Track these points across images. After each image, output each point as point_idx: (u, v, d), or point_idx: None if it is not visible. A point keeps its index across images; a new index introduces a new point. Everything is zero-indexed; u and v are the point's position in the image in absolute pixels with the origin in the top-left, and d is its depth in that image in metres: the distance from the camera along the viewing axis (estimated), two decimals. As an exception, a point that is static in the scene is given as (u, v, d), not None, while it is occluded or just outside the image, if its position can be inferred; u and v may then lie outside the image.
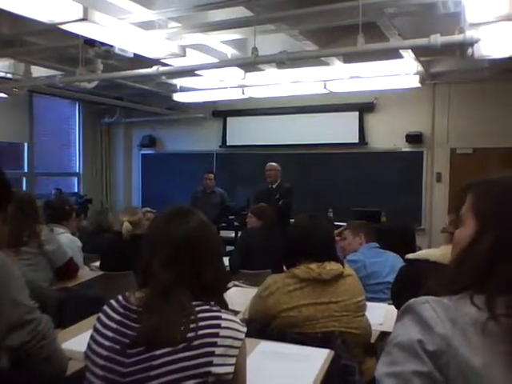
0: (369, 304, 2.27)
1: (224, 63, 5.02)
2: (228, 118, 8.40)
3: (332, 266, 2.09)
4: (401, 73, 5.41)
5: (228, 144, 8.39)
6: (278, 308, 2.05)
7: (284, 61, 4.29)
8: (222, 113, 8.38)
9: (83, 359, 1.32)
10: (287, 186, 6.09)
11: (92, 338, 1.32)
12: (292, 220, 5.84)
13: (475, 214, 0.96)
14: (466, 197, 0.99)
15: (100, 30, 3.42)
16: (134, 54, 4.28)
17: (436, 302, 0.89)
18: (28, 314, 1.37)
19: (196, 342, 1.21)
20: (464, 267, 0.93)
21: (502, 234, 0.90)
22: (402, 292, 2.47)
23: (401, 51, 4.94)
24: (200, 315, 1.26)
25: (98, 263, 3.84)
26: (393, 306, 2.62)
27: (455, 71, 6.39)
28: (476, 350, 0.82)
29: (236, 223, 6.39)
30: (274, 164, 6.26)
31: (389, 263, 3.31)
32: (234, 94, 6.51)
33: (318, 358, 1.80)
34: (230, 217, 6.55)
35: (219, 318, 1.27)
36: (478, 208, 0.96)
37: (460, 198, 1.00)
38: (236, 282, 3.43)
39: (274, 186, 6.15)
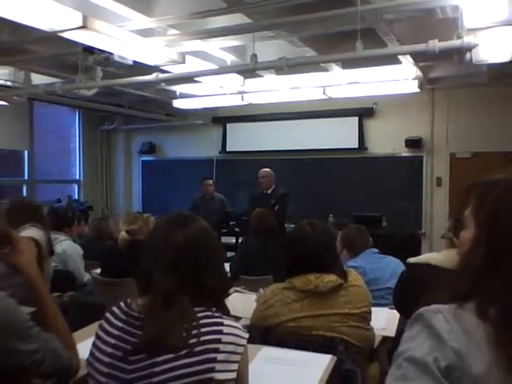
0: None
1: (223, 70, 5.04)
2: (228, 124, 8.41)
3: (330, 278, 2.03)
4: (399, 78, 5.43)
5: (228, 150, 8.40)
6: (277, 320, 2.05)
7: (283, 67, 4.31)
8: (221, 119, 8.40)
9: (85, 366, 1.32)
10: (282, 192, 6.04)
11: (94, 345, 1.32)
12: (286, 225, 5.93)
13: (474, 217, 0.94)
14: (469, 197, 0.97)
15: (99, 37, 3.44)
16: (134, 61, 4.31)
17: (449, 312, 0.85)
18: (30, 357, 1.32)
19: (198, 349, 1.21)
20: (463, 275, 0.91)
21: (494, 243, 0.88)
22: (404, 296, 2.46)
23: (399, 57, 4.97)
24: (202, 321, 1.26)
25: (98, 270, 3.83)
26: (395, 311, 2.61)
27: (454, 76, 6.41)
28: (490, 367, 0.80)
29: (236, 229, 6.38)
30: (267, 170, 6.21)
31: (390, 268, 3.29)
32: (234, 101, 6.53)
33: (320, 363, 1.80)
34: (231, 223, 6.55)
35: (221, 324, 1.26)
36: (475, 212, 0.94)
37: (463, 200, 0.98)
38: (237, 288, 3.42)
39: (268, 192, 6.11)
